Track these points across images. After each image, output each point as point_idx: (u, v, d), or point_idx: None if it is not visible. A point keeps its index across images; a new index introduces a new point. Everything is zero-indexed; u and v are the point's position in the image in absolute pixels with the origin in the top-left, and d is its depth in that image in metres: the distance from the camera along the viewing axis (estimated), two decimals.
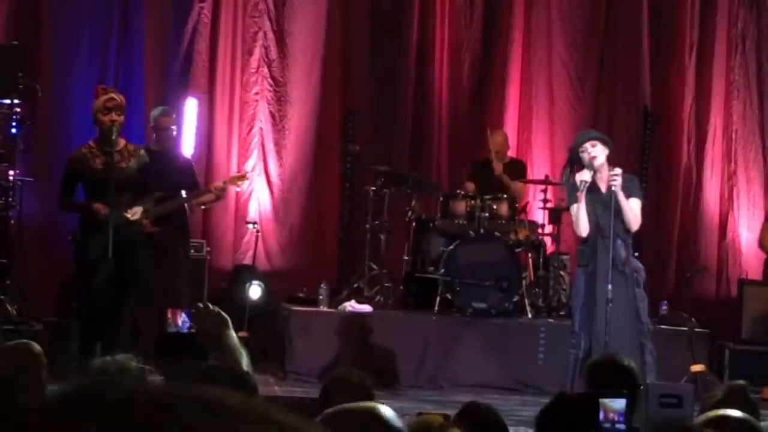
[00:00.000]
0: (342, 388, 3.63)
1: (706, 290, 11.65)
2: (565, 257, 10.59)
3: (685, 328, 9.77)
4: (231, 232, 11.11)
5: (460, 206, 10.28)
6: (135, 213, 8.06)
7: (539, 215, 10.81)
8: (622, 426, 3.64)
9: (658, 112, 11.76)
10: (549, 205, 10.48)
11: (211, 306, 3.77)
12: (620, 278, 7.58)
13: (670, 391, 6.30)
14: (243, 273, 10.60)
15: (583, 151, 7.70)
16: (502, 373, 9.69)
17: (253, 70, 11.29)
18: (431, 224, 10.39)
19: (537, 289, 10.34)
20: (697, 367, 8.97)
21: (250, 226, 10.82)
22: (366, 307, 9.91)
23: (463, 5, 11.73)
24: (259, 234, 10.77)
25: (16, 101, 9.55)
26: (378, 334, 9.70)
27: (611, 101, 11.97)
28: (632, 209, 7.66)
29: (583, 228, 7.66)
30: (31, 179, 9.86)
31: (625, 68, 11.92)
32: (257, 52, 11.29)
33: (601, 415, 3.62)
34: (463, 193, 10.42)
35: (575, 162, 7.86)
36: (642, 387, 5.00)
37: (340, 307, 9.89)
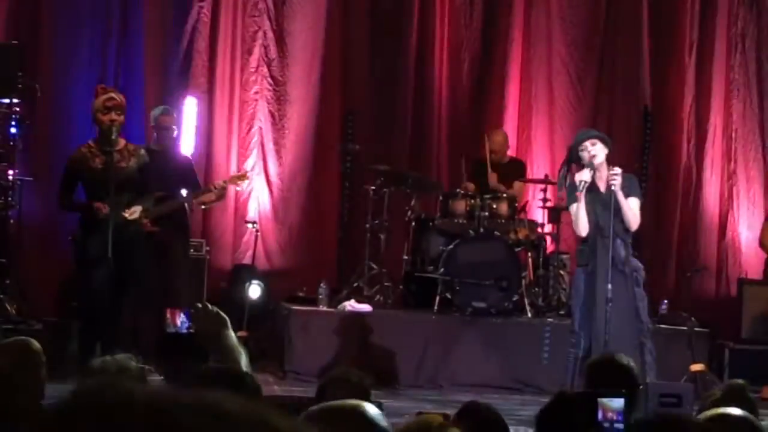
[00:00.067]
0: (338, 388, 3.63)
1: (706, 290, 11.65)
2: (564, 256, 10.59)
3: (685, 328, 9.77)
4: (230, 232, 11.11)
5: (460, 205, 10.29)
6: (133, 212, 8.05)
7: (539, 214, 10.82)
8: (620, 425, 3.64)
9: (657, 112, 11.76)
10: (549, 204, 10.48)
11: (210, 306, 3.77)
12: (620, 277, 7.59)
13: (670, 391, 6.31)
14: (242, 272, 10.60)
15: (582, 150, 7.70)
16: (501, 373, 9.70)
17: (253, 70, 11.29)
18: (431, 223, 10.39)
19: (537, 289, 10.34)
20: (696, 367, 8.98)
21: (250, 225, 10.82)
22: (366, 307, 9.91)
23: (462, 4, 11.73)
24: (259, 233, 10.77)
25: (15, 101, 9.55)
26: (378, 334, 9.71)
27: (611, 100, 11.98)
28: (631, 209, 7.66)
29: (583, 227, 7.66)
30: (31, 179, 9.86)
31: (625, 67, 11.92)
32: (257, 51, 11.29)
33: (600, 415, 3.62)
34: (462, 192, 10.42)
35: (573, 161, 7.87)
36: (641, 386, 5.01)
37: (339, 307, 9.90)
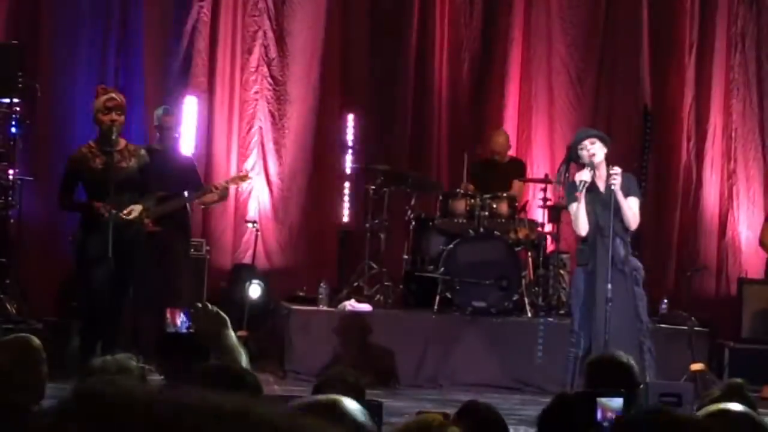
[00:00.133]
0: (333, 388, 3.63)
1: (706, 289, 11.65)
2: (564, 256, 10.59)
3: (685, 327, 9.77)
4: (230, 231, 11.11)
5: (460, 205, 10.29)
6: (131, 211, 8.03)
7: (539, 214, 10.82)
8: None
9: (657, 111, 11.75)
10: (549, 203, 10.49)
11: (209, 306, 3.77)
12: (619, 277, 7.59)
13: (670, 390, 6.31)
14: (242, 272, 10.60)
15: (582, 149, 7.72)
16: (501, 372, 9.69)
17: (253, 69, 11.29)
18: (431, 223, 10.39)
19: (537, 288, 10.34)
20: (696, 366, 8.97)
21: (250, 225, 10.82)
22: (366, 306, 9.91)
23: (462, 4, 11.73)
24: (259, 233, 10.77)
25: (15, 100, 9.55)
26: (378, 333, 9.71)
27: (611, 100, 11.97)
28: (631, 208, 7.67)
29: (583, 227, 7.67)
30: (31, 178, 9.86)
31: (625, 67, 11.92)
32: (257, 51, 11.29)
33: (599, 414, 3.62)
34: (462, 191, 10.42)
35: (572, 160, 7.88)
36: (641, 385, 5.01)
37: (339, 306, 9.90)
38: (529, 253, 10.43)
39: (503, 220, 10.28)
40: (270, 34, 11.30)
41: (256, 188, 11.17)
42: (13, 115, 9.55)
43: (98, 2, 10.88)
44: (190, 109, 10.73)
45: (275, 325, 10.20)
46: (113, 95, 8.13)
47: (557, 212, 10.40)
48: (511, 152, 11.27)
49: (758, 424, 2.92)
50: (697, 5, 11.92)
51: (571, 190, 7.77)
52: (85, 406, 1.00)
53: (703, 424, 2.38)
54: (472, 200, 10.24)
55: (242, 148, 11.25)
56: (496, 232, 10.08)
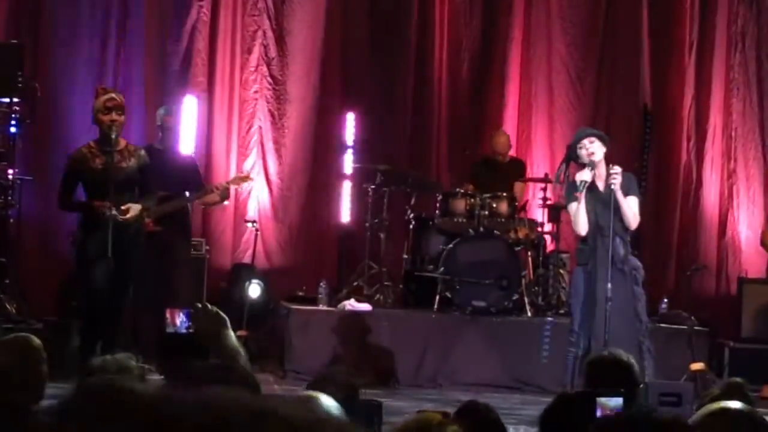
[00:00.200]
0: (327, 387, 3.63)
1: (706, 288, 11.65)
2: (564, 255, 10.60)
3: (685, 327, 9.77)
4: (230, 231, 11.11)
5: (460, 204, 10.29)
6: (128, 210, 8.01)
7: (539, 214, 10.82)
8: None
9: (657, 111, 11.75)
10: (548, 203, 10.49)
11: (209, 306, 3.77)
12: (619, 276, 7.59)
13: (670, 390, 6.31)
14: (242, 272, 10.60)
15: (581, 148, 7.72)
16: (501, 372, 9.69)
17: (253, 69, 11.29)
18: (431, 223, 10.39)
19: (536, 288, 10.34)
20: (696, 366, 8.97)
21: (250, 224, 10.82)
22: (365, 306, 9.91)
23: (462, 3, 11.73)
24: (259, 233, 10.77)
25: (15, 100, 9.55)
26: (377, 333, 9.71)
27: (611, 100, 11.97)
28: (631, 207, 7.67)
29: (582, 227, 7.67)
30: (31, 178, 9.86)
31: (625, 67, 11.92)
32: (256, 50, 11.29)
33: (599, 414, 3.62)
34: (462, 191, 10.42)
35: (571, 159, 7.88)
36: (641, 385, 5.01)
37: (339, 306, 9.90)
38: (529, 253, 10.43)
39: (503, 220, 10.28)
40: (269, 33, 11.30)
41: (256, 188, 11.17)
42: (13, 115, 9.55)
43: (98, 2, 10.88)
44: (189, 108, 10.73)
45: (275, 325, 10.19)
46: (113, 95, 8.13)
47: (557, 212, 10.40)
48: (511, 152, 11.27)
49: (758, 422, 2.92)
50: (697, 5, 11.92)
51: (570, 190, 7.77)
52: (85, 405, 1.00)
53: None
54: (472, 200, 10.24)
55: (242, 147, 11.25)
56: (496, 231, 10.08)
